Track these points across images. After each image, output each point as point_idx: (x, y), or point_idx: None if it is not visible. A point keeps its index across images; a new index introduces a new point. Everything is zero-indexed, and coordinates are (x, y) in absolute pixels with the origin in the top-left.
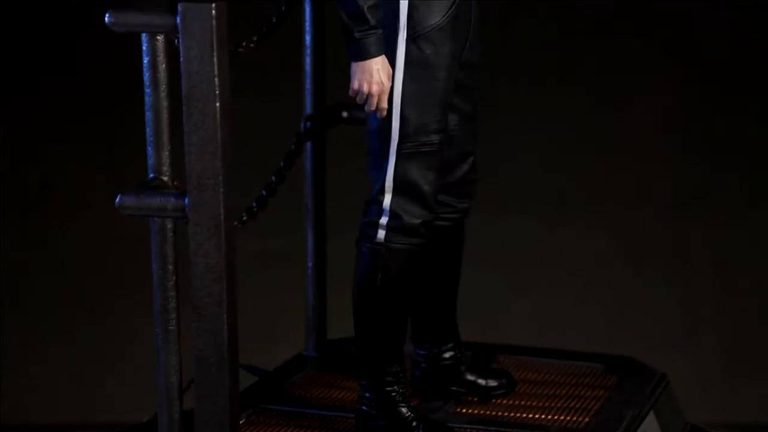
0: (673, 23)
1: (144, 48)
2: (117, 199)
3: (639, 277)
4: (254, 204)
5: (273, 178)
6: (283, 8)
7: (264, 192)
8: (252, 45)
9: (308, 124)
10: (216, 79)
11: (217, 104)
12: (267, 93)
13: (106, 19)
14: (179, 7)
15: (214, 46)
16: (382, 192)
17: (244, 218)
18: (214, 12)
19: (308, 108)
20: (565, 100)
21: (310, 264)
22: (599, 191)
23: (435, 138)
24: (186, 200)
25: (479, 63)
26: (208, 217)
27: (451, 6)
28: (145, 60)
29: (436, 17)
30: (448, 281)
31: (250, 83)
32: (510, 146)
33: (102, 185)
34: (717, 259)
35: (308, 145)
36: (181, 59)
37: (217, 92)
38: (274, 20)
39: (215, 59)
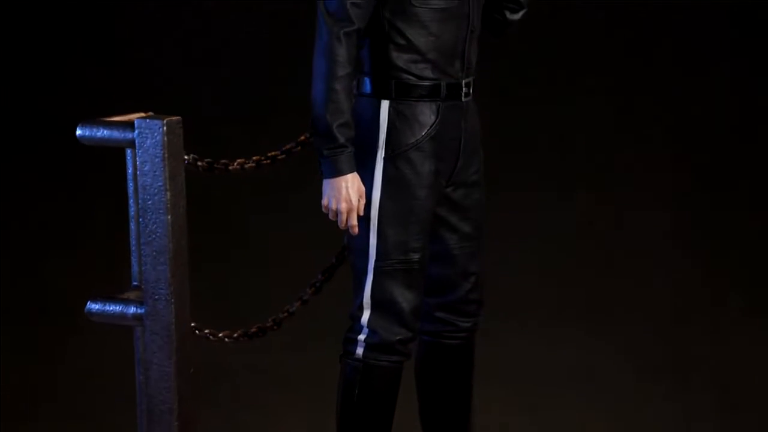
0: (672, 125)
1: (127, 160)
2: (86, 306)
3: (639, 392)
4: (281, 314)
5: (308, 289)
6: (309, 137)
7: (294, 305)
8: (261, 162)
9: None
10: (167, 194)
11: (168, 217)
12: (308, 206)
13: (77, 132)
14: (135, 123)
15: (165, 161)
16: (360, 308)
17: (270, 326)
18: (164, 128)
19: None
20: (563, 209)
21: None
22: (598, 304)
23: (415, 256)
24: (144, 309)
25: (479, 182)
26: (160, 326)
27: (432, 125)
28: (128, 171)
29: (413, 136)
30: (458, 400)
31: (292, 196)
32: (509, 257)
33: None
34: (718, 373)
35: None
36: (138, 173)
37: (168, 206)
38: (291, 147)
39: (166, 174)
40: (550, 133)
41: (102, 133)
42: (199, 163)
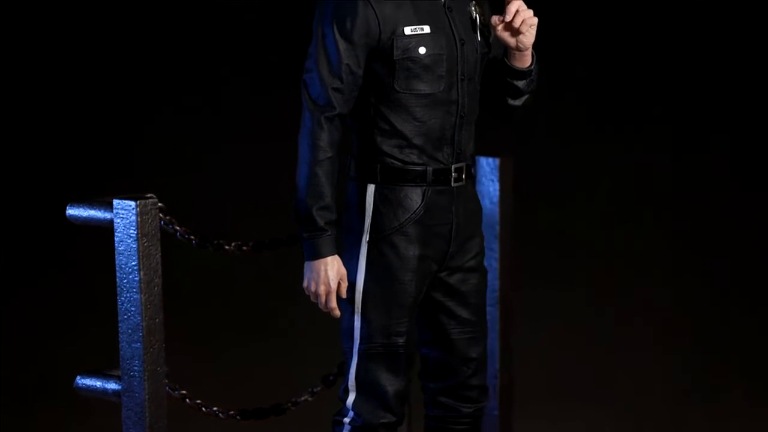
0: (673, 216)
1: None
2: (74, 382)
3: None
4: (305, 395)
5: (335, 369)
6: (284, 238)
7: (318, 386)
8: (251, 248)
9: None
10: (141, 273)
11: (142, 296)
12: None
13: (66, 212)
14: (113, 203)
15: (138, 241)
16: (346, 391)
17: (287, 406)
18: (137, 209)
19: None
20: (565, 293)
21: None
22: (600, 386)
23: (399, 340)
24: (121, 386)
25: (478, 267)
26: (134, 403)
27: (415, 209)
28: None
29: (396, 220)
30: None
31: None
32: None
33: None
34: None
35: None
36: (115, 252)
37: (142, 285)
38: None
39: (140, 254)
40: (554, 212)
41: (87, 213)
42: (208, 244)
